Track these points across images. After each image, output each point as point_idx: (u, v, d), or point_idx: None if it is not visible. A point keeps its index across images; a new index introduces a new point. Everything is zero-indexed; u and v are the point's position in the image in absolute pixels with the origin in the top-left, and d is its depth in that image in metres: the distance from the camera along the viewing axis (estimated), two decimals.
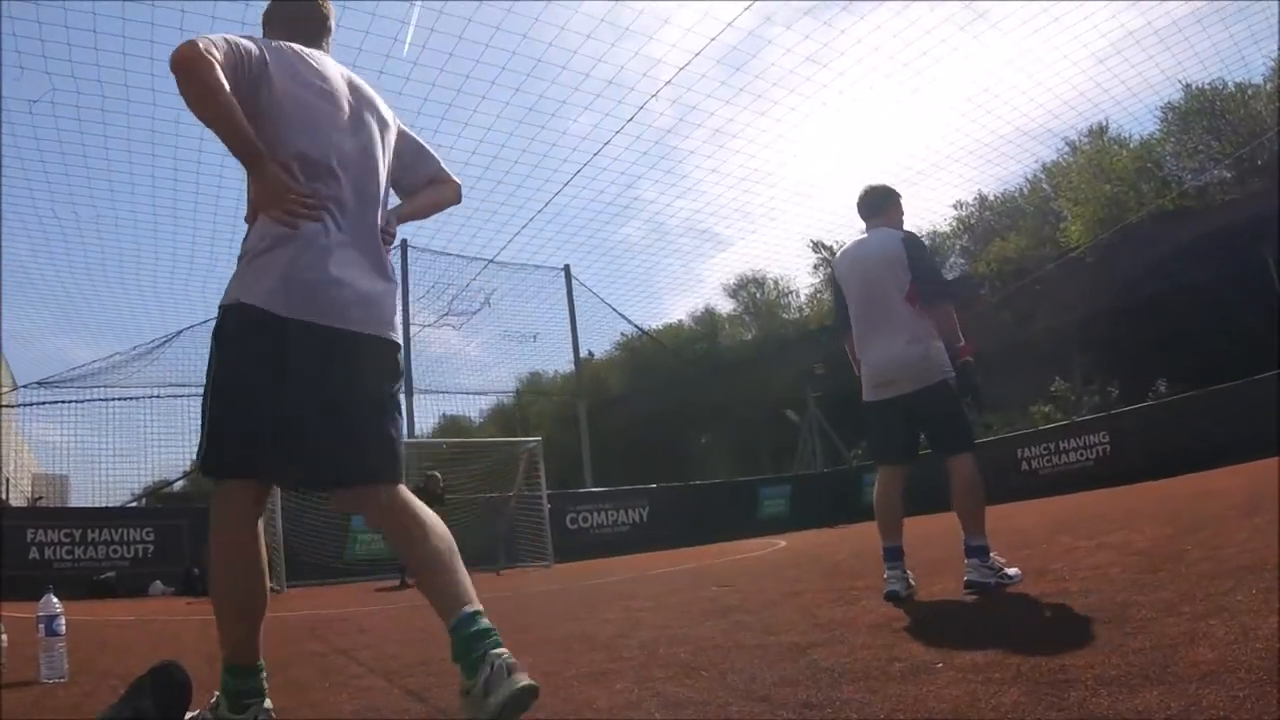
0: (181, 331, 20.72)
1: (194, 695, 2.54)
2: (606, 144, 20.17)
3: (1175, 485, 10.45)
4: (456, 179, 3.17)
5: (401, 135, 3.03)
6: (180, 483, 22.97)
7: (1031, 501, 14.73)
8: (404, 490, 2.72)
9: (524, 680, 2.22)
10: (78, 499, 19.55)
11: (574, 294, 25.05)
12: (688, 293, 50.91)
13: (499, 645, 2.30)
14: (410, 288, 21.72)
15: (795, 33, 17.95)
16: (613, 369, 37.27)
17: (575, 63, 17.57)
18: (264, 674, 2.58)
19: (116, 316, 24.25)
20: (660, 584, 7.99)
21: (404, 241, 21.74)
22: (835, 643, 3.22)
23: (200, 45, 2.31)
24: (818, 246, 34.99)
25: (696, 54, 17.33)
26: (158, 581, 13.48)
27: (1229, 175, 23.83)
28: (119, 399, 19.78)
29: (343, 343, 2.51)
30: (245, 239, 2.56)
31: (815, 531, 18.04)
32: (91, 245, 20.82)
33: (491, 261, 23.64)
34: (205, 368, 2.61)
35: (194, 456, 2.60)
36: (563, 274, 25.03)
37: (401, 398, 2.87)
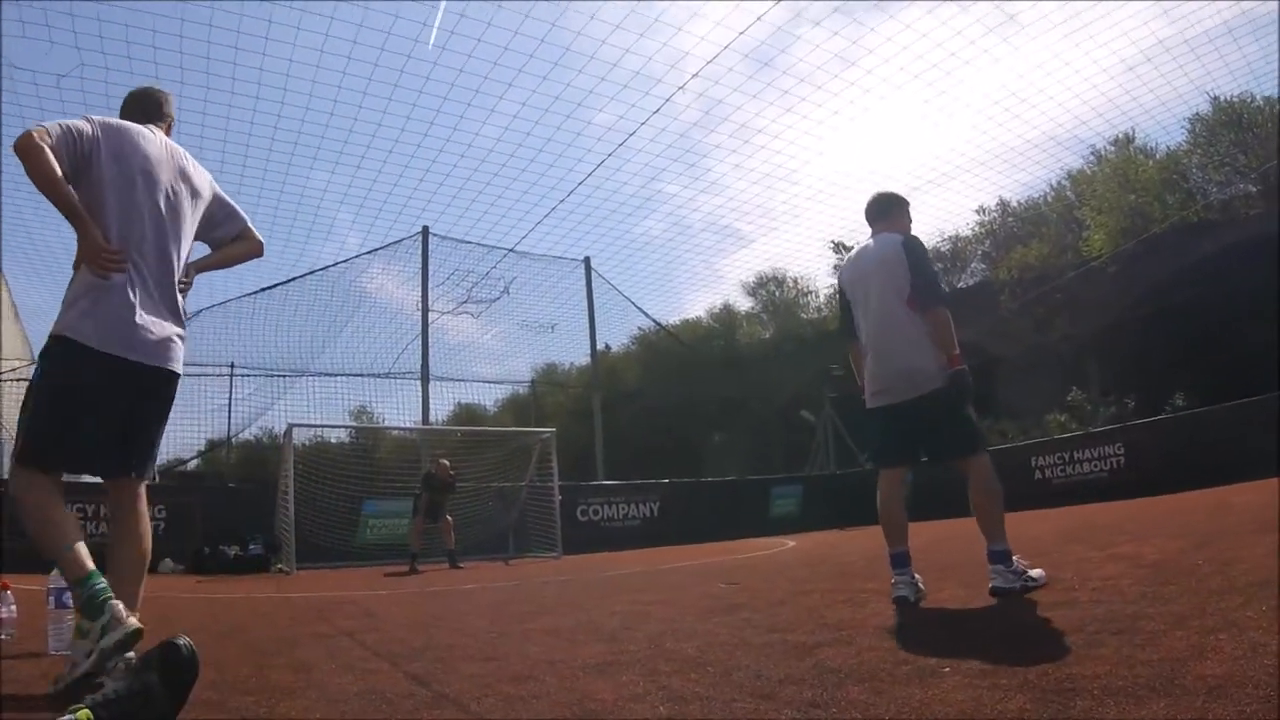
0: (200, 312, 20.83)
1: (201, 671, 2.55)
2: (631, 136, 20.15)
3: (1189, 499, 10.38)
4: (260, 237, 3.92)
5: (215, 199, 3.77)
6: (194, 462, 23.16)
7: (1044, 510, 14.66)
8: (143, 493, 3.78)
9: (134, 624, 2.98)
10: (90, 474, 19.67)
11: (593, 286, 25.08)
12: (707, 289, 50.75)
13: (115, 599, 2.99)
14: (430, 274, 21.76)
15: (824, 29, 17.83)
16: (629, 363, 37.27)
17: (603, 53, 17.52)
18: (101, 576, 3.09)
19: None
20: (668, 579, 7.99)
21: (425, 229, 21.81)
22: (842, 643, 3.21)
23: (35, 136, 3.05)
24: (838, 247, 34.81)
25: (724, 47, 17.29)
26: (168, 559, 13.55)
27: (1254, 190, 23.63)
28: None
29: (136, 371, 3.29)
30: (71, 283, 3.31)
31: (825, 533, 18.00)
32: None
33: (511, 251, 23.66)
34: (33, 376, 3.30)
35: (14, 444, 2.91)
36: (582, 266, 25.02)
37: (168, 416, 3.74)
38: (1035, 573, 4.38)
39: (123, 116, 3.66)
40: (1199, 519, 7.24)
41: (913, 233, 4.99)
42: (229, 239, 3.84)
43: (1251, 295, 20.02)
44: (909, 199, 5.26)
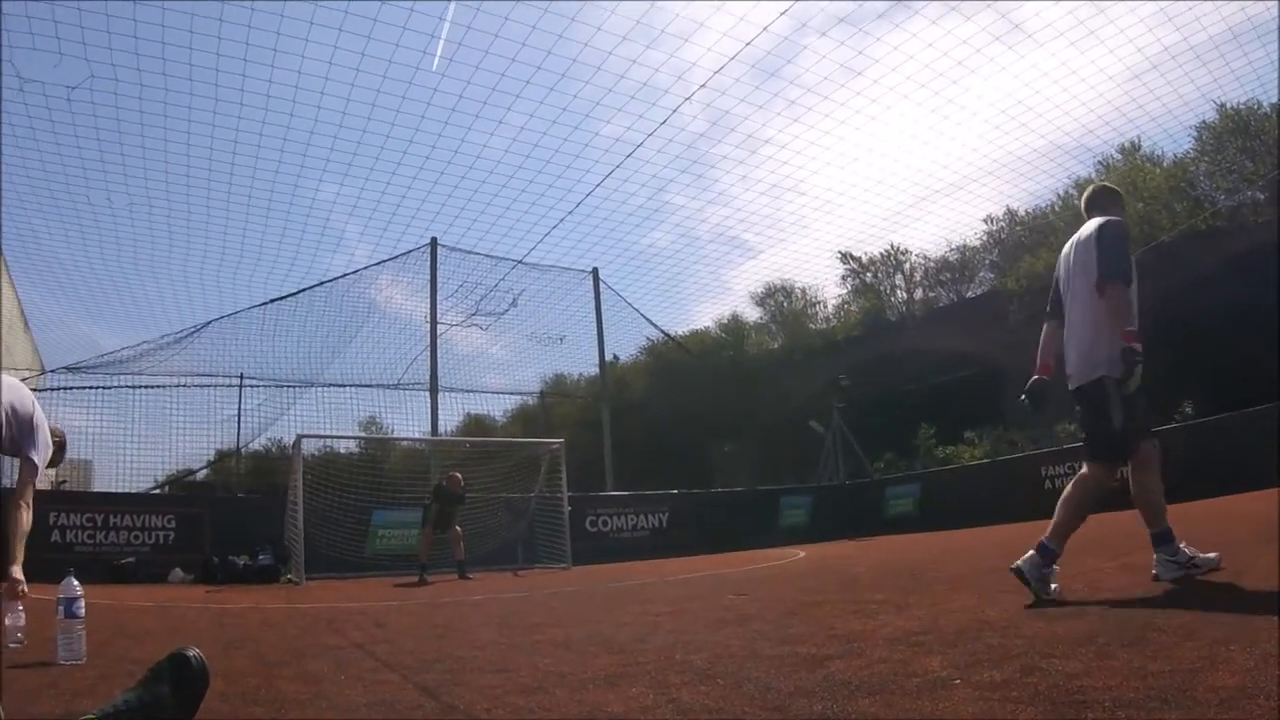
0: (210, 323, 20.93)
1: (211, 682, 2.55)
2: (638, 147, 20.16)
3: (1200, 508, 10.31)
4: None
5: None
6: (203, 472, 23.18)
7: None
8: None
9: None
10: (101, 484, 19.73)
11: (601, 297, 25.09)
12: (715, 300, 50.76)
13: None
14: (439, 285, 21.81)
15: (831, 39, 17.86)
16: (637, 374, 37.20)
17: (609, 64, 17.56)
18: None
19: (146, 306, 24.55)
20: (678, 590, 7.98)
21: (433, 240, 21.89)
22: (852, 655, 3.20)
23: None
24: (846, 257, 34.83)
25: (731, 58, 17.29)
26: (177, 569, 13.58)
27: (1262, 197, 23.54)
28: (145, 387, 20.00)
29: None
30: None
31: (835, 543, 17.97)
32: (124, 233, 21.09)
33: (520, 262, 23.70)
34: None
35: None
36: (590, 277, 25.06)
37: None
38: (1210, 555, 4.41)
39: None
40: (1209, 529, 7.20)
41: (1115, 218, 4.98)
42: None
43: (1260, 303, 19.93)
44: (1119, 191, 5.38)
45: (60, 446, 5.09)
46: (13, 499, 4.51)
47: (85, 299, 24.14)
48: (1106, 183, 5.44)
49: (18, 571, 4.40)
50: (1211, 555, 4.45)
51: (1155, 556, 4.47)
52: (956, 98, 20.64)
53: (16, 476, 4.63)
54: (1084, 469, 4.86)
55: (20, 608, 4.09)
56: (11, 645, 4.18)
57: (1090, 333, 4.73)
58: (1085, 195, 5.29)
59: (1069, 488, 4.80)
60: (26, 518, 4.54)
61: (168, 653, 2.50)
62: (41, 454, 4.69)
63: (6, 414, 4.55)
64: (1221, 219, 23.69)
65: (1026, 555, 4.38)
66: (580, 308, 25.33)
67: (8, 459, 4.71)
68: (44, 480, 4.85)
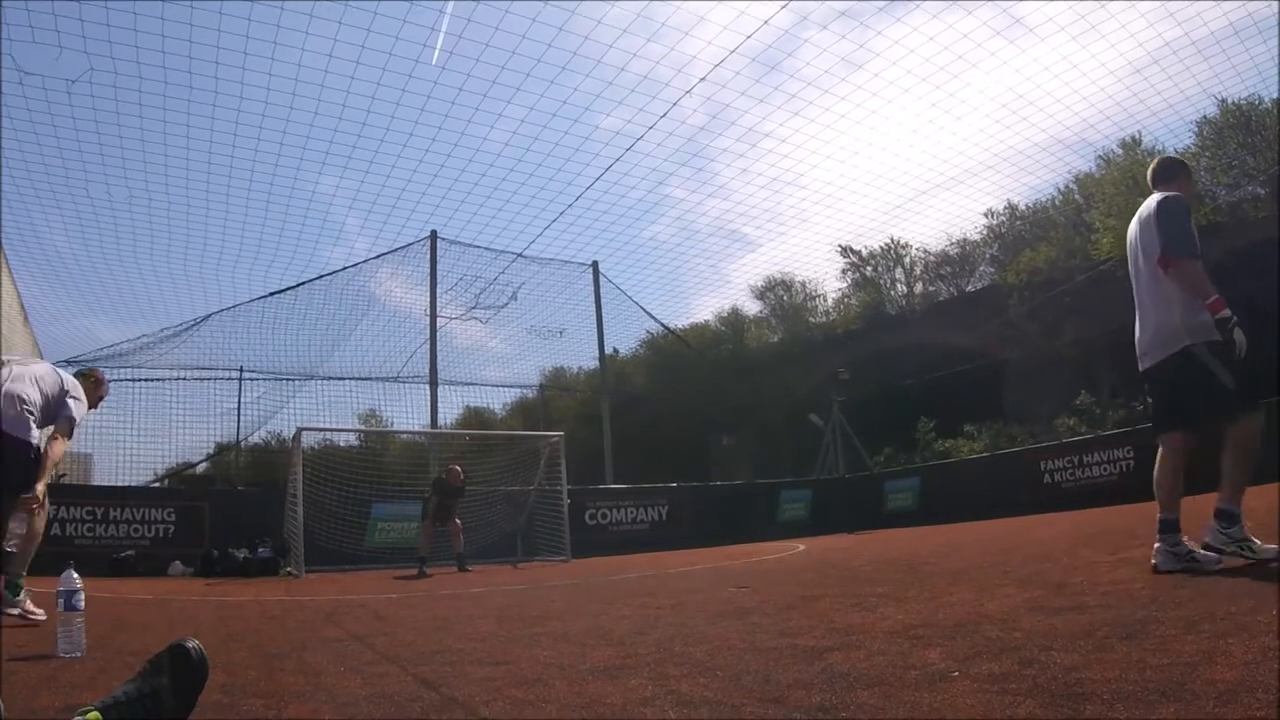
0: (209, 316, 20.93)
1: (210, 674, 2.56)
2: (638, 140, 20.14)
3: (1200, 503, 10.31)
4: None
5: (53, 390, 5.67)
6: (203, 465, 23.19)
7: (1053, 514, 14.62)
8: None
9: None
10: (101, 478, 19.74)
11: (601, 290, 25.08)
12: (714, 293, 50.82)
13: None
14: (439, 279, 21.79)
15: (831, 33, 17.94)
16: (637, 367, 37.15)
17: (609, 57, 17.55)
18: None
19: (145, 299, 24.53)
20: (677, 583, 7.99)
21: (433, 233, 21.85)
22: (851, 648, 3.21)
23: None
24: (846, 251, 34.84)
25: (731, 51, 17.30)
26: (177, 562, 13.61)
27: (1262, 192, 23.51)
28: (145, 380, 20.02)
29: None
30: None
31: (835, 537, 17.98)
32: (124, 227, 21.07)
33: (520, 255, 23.70)
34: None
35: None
36: (590, 270, 25.05)
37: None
38: (1270, 547, 4.41)
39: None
40: (1208, 523, 7.19)
41: (1174, 194, 4.96)
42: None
43: (1260, 298, 19.92)
44: (1183, 162, 5.32)
45: (98, 382, 6.38)
46: (51, 434, 5.51)
47: (85, 292, 24.13)
48: (1171, 155, 5.40)
49: (40, 487, 5.30)
50: (1271, 547, 4.43)
51: (1212, 527, 4.55)
52: (957, 91, 20.64)
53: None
54: (1165, 447, 4.86)
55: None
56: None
57: (1162, 309, 4.70)
58: (1150, 169, 5.27)
59: (1160, 467, 4.85)
60: (57, 448, 5.47)
61: (167, 645, 2.50)
62: (76, 412, 5.73)
63: (44, 400, 5.53)
64: (1222, 214, 23.66)
65: (1157, 546, 4.47)
66: (580, 301, 25.34)
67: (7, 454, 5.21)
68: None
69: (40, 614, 5.37)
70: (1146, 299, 4.82)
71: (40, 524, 5.81)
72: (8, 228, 19.91)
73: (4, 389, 5.27)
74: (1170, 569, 4.37)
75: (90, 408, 6.13)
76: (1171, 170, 5.17)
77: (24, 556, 5.71)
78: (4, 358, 5.66)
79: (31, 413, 5.35)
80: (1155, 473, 4.82)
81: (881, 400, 27.11)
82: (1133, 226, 5.07)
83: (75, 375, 6.12)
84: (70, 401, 5.70)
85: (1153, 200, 4.90)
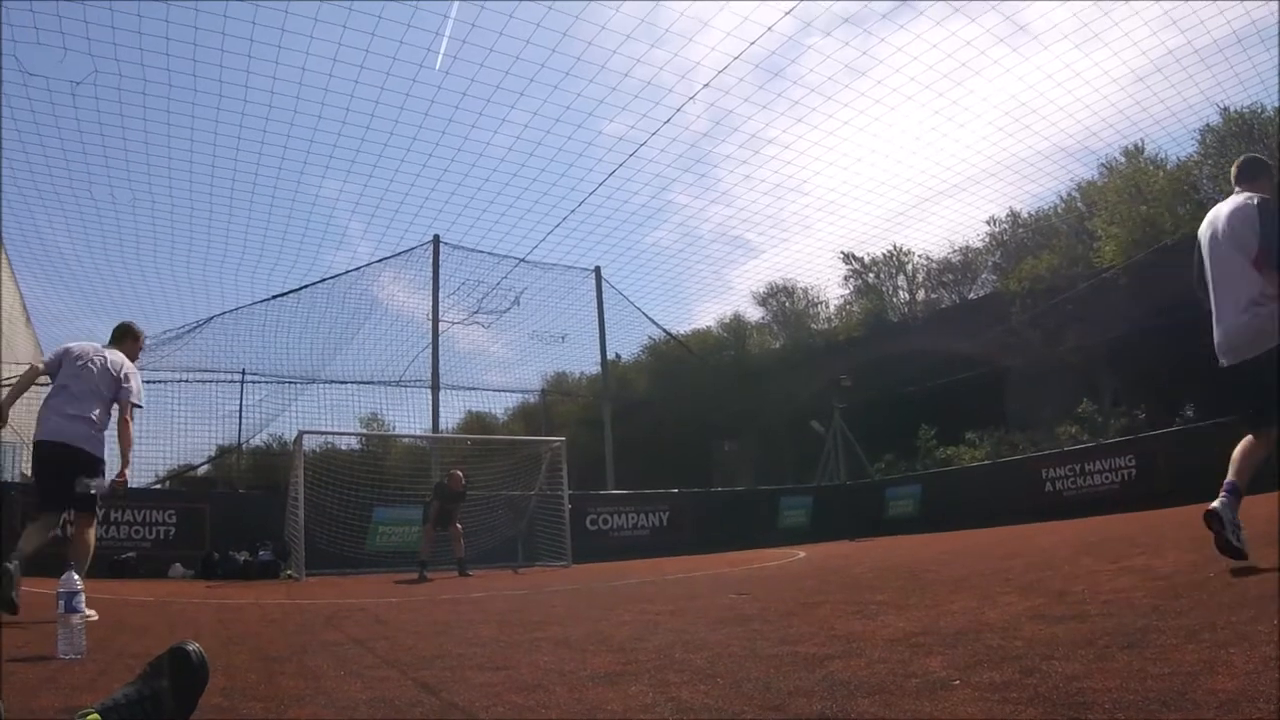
0: (212, 318, 20.95)
1: (210, 677, 2.55)
2: (641, 146, 20.19)
3: (1201, 511, 10.32)
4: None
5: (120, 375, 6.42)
6: (204, 468, 23.19)
7: (1054, 522, 14.61)
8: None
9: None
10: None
11: (603, 296, 25.10)
12: (717, 299, 50.88)
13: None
14: (441, 283, 21.82)
15: (835, 39, 18.02)
16: (639, 372, 37.17)
17: (613, 63, 17.59)
18: None
19: (148, 301, 24.60)
20: (678, 589, 7.98)
21: (436, 237, 21.89)
22: (852, 655, 3.20)
23: (35, 366, 6.44)
24: (848, 258, 34.84)
25: (734, 58, 17.33)
26: (178, 564, 13.60)
27: None
28: (147, 382, 19.93)
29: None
30: None
31: (835, 544, 17.97)
32: (127, 229, 21.11)
33: (522, 260, 23.73)
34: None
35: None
36: (592, 275, 25.06)
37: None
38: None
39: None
40: (1210, 531, 7.18)
41: (1268, 198, 4.92)
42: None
43: None
44: (1269, 162, 5.27)
45: (136, 338, 6.92)
46: (120, 419, 6.36)
47: (88, 294, 24.22)
48: (1256, 153, 5.35)
49: (126, 471, 6.49)
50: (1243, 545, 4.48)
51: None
52: (960, 99, 20.69)
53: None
54: (1261, 439, 4.87)
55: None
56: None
57: (1249, 308, 4.68)
58: (1235, 165, 5.23)
59: (1240, 450, 4.90)
60: (128, 433, 6.36)
61: (168, 648, 2.49)
62: (135, 395, 6.47)
63: (105, 404, 6.29)
64: None
65: (1220, 500, 4.47)
66: (582, 306, 25.38)
67: (7, 457, 5.82)
68: None
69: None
70: (1234, 295, 4.80)
71: (91, 536, 6.63)
72: (11, 229, 19.97)
73: (71, 410, 6.10)
74: (1224, 518, 4.45)
75: (131, 360, 6.72)
76: (1257, 169, 5.15)
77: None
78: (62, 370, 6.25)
79: (101, 429, 6.23)
80: (1240, 449, 4.90)
81: (883, 407, 27.08)
82: (1217, 216, 5.02)
83: (116, 330, 6.80)
84: (126, 386, 6.36)
85: (1249, 198, 4.86)
